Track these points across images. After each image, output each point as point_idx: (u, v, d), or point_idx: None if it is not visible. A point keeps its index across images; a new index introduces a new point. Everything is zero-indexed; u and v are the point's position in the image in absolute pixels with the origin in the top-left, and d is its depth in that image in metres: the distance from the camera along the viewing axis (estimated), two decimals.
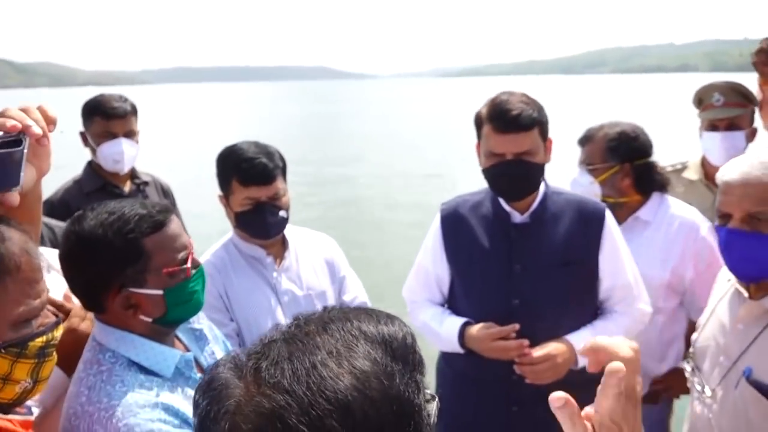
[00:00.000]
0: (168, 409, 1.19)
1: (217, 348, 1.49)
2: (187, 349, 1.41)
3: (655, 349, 2.31)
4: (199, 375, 1.34)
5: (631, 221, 2.31)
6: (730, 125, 2.59)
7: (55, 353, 1.09)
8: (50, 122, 1.03)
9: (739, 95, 2.62)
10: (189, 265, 1.30)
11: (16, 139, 0.96)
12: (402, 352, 0.67)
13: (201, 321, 1.50)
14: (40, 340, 1.04)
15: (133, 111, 2.74)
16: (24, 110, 1.01)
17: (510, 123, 1.77)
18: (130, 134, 2.70)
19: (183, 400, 1.25)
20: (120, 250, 1.22)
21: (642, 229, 2.29)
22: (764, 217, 1.42)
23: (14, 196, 0.96)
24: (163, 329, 1.31)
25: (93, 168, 2.74)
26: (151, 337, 1.29)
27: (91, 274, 1.24)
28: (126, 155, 2.66)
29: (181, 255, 1.28)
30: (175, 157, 16.05)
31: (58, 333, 1.09)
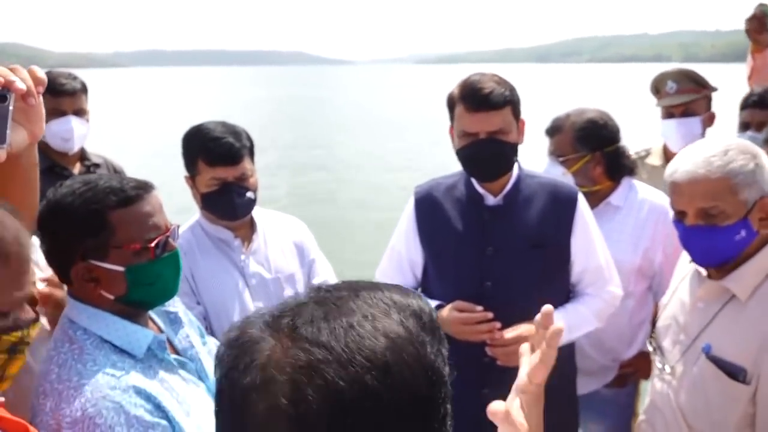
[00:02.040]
0: (140, 392, 1.17)
1: (192, 332, 1.47)
2: (161, 331, 1.39)
3: (624, 333, 2.35)
4: (173, 356, 1.32)
5: (603, 207, 2.32)
6: (686, 111, 2.65)
7: (26, 352, 1.04)
8: (39, 83, 1.02)
9: (691, 81, 2.68)
10: (155, 246, 1.26)
11: (1, 94, 0.95)
12: (431, 326, 0.68)
13: (176, 304, 1.48)
14: (14, 335, 0.99)
15: (83, 89, 2.64)
16: (12, 69, 1.00)
17: (482, 101, 1.77)
18: (80, 112, 2.60)
19: (155, 382, 1.23)
20: (81, 220, 1.21)
21: (613, 214, 2.31)
22: (716, 212, 1.44)
23: (1, 153, 0.95)
24: (131, 309, 1.28)
25: (40, 148, 2.62)
26: (123, 316, 1.27)
27: (56, 241, 1.24)
28: (75, 133, 2.57)
29: (149, 235, 1.25)
30: (146, 142, 15.80)
31: (34, 332, 1.03)
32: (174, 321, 1.44)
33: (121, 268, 1.23)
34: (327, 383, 0.58)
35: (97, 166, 2.74)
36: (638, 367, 2.38)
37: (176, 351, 1.38)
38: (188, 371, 1.35)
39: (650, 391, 1.72)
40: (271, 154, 13.82)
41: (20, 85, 0.97)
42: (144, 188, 1.27)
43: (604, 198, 2.33)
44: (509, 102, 1.80)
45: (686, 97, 2.64)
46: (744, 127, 2.52)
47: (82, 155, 2.71)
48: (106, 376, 1.16)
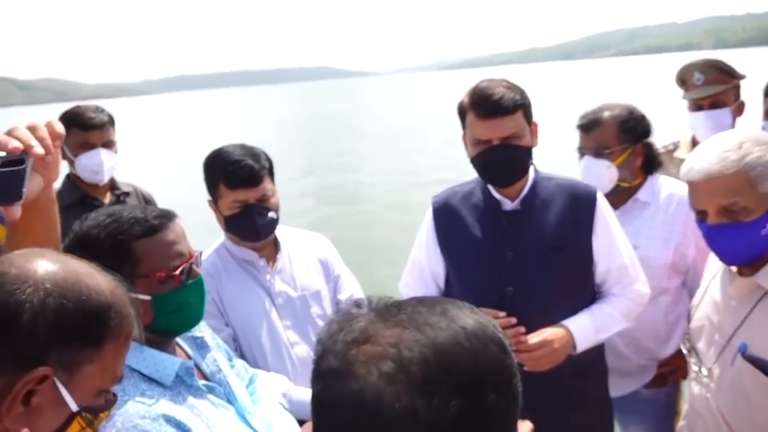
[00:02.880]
0: (170, 420, 1.19)
1: (220, 355, 1.49)
2: (189, 357, 1.41)
3: (660, 331, 2.29)
4: (201, 382, 1.34)
5: (631, 203, 2.28)
6: (714, 103, 2.58)
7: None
8: (56, 138, 1.04)
9: (719, 71, 2.60)
10: (180, 274, 1.28)
11: (19, 158, 0.99)
12: (501, 345, 0.73)
13: (202, 329, 1.50)
14: (104, 414, 0.93)
15: (111, 121, 2.72)
16: (31, 128, 1.02)
17: (493, 108, 1.75)
18: (109, 144, 2.68)
19: (185, 409, 1.25)
20: (108, 251, 1.23)
21: (641, 210, 2.27)
22: (738, 208, 1.40)
23: (16, 210, 0.98)
24: (158, 338, 1.30)
25: (71, 181, 2.71)
26: (150, 344, 1.29)
27: None
28: (105, 165, 2.64)
29: (174, 263, 1.28)
30: (176, 167, 16.10)
31: (106, 415, 0.95)
32: (201, 346, 1.45)
33: (147, 297, 1.26)
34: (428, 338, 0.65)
35: (127, 194, 2.82)
36: (677, 366, 2.31)
37: (204, 376, 1.40)
38: (217, 395, 1.36)
39: (688, 395, 1.67)
40: (299, 171, 13.98)
41: (39, 150, 0.99)
42: (167, 217, 1.30)
43: (633, 194, 2.29)
44: (520, 106, 1.78)
45: (714, 89, 2.56)
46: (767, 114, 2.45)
47: (112, 185, 2.79)
48: (136, 405, 1.18)
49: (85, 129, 2.63)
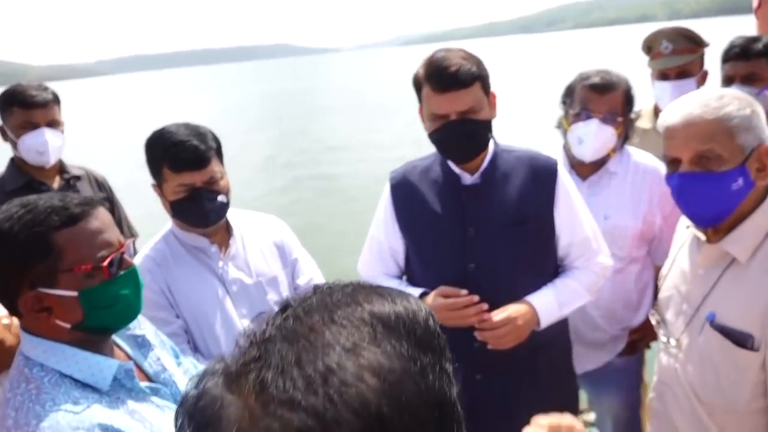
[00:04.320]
0: (107, 429, 1.08)
1: (164, 353, 1.38)
2: (129, 358, 1.30)
3: (632, 299, 2.29)
4: (144, 384, 1.23)
5: (599, 173, 2.24)
6: (681, 73, 2.55)
7: None
8: None
9: (687, 40, 2.57)
10: (109, 265, 1.17)
11: None
12: (428, 337, 0.56)
13: (143, 326, 1.38)
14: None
15: (55, 100, 2.55)
16: None
17: (449, 81, 1.67)
18: (54, 124, 2.51)
19: (124, 415, 1.14)
20: (25, 245, 1.10)
21: (609, 179, 2.24)
22: (713, 155, 1.37)
23: None
24: (92, 337, 1.19)
25: (16, 164, 2.54)
26: (83, 346, 1.17)
27: (0, 271, 1.13)
28: (50, 145, 2.47)
29: (101, 253, 1.16)
30: (132, 149, 15.62)
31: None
32: (142, 344, 1.34)
33: (73, 293, 1.14)
34: None
35: (77, 178, 2.65)
36: (645, 333, 2.31)
37: (147, 377, 1.30)
38: (162, 397, 1.26)
39: (657, 366, 1.65)
40: (261, 150, 13.71)
41: None
42: (89, 204, 1.17)
43: (603, 165, 2.25)
44: (477, 78, 1.70)
45: (681, 59, 2.52)
46: (728, 80, 2.42)
47: (61, 168, 2.62)
48: (68, 416, 1.06)
49: (26, 107, 2.46)
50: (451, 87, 1.67)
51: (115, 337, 1.29)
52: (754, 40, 2.42)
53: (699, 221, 1.48)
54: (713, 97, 1.39)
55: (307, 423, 0.47)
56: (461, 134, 1.73)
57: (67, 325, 1.16)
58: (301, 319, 0.55)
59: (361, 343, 0.52)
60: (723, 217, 1.42)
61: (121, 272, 1.20)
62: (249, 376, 0.52)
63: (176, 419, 0.56)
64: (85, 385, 1.14)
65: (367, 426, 0.48)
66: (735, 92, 1.42)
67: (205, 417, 0.52)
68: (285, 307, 0.58)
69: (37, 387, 1.11)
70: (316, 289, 0.60)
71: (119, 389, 1.18)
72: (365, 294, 0.58)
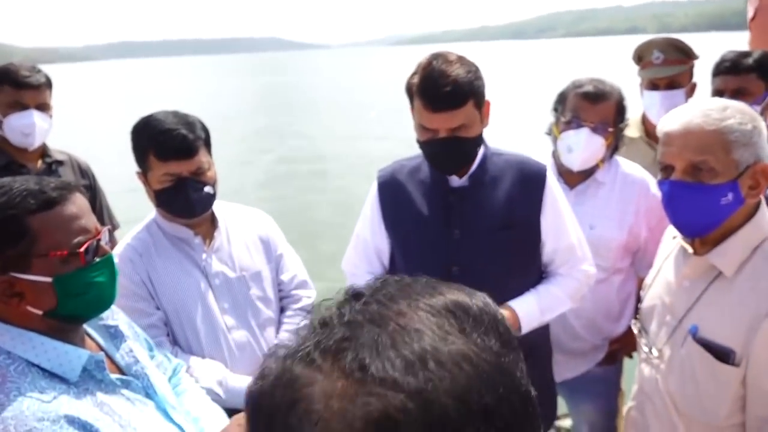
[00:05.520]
0: (74, 421, 1.05)
1: (137, 345, 1.35)
2: (101, 348, 1.26)
3: (614, 310, 2.29)
4: (114, 376, 1.20)
5: (587, 183, 2.24)
6: (671, 83, 2.57)
7: None
8: None
9: (679, 52, 2.58)
10: (85, 252, 1.14)
11: None
12: (509, 337, 0.56)
13: (116, 316, 1.35)
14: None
15: (48, 83, 2.50)
16: None
17: (442, 101, 1.65)
18: (43, 107, 2.46)
19: (93, 408, 1.11)
20: None
21: (596, 189, 2.23)
22: (706, 167, 1.36)
23: None
24: (64, 325, 1.16)
25: None
26: (53, 335, 1.14)
27: None
28: (37, 128, 2.42)
29: (78, 239, 1.13)
30: (120, 137, 15.43)
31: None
32: (115, 335, 1.31)
33: (47, 279, 1.11)
34: None
35: (60, 163, 2.60)
36: (626, 343, 2.32)
37: (119, 369, 1.26)
38: (133, 390, 1.23)
39: (637, 376, 1.65)
40: (247, 143, 13.61)
41: None
42: (67, 188, 1.14)
43: (591, 174, 2.24)
44: (471, 95, 1.67)
45: (672, 69, 2.54)
46: (718, 94, 2.44)
47: (44, 152, 2.57)
48: (33, 406, 1.03)
49: (17, 87, 2.41)
50: (443, 108, 1.65)
51: (87, 327, 1.26)
52: (745, 55, 2.45)
53: (684, 230, 1.48)
54: (717, 107, 1.38)
55: (406, 405, 0.46)
56: (449, 151, 1.72)
57: (39, 312, 1.13)
58: (386, 305, 0.54)
59: (453, 332, 0.51)
60: (709, 230, 1.42)
61: (97, 259, 1.17)
62: (343, 355, 0.50)
63: (247, 402, 0.53)
64: (53, 375, 1.11)
65: (469, 413, 0.47)
66: (740, 105, 1.40)
67: (286, 396, 0.50)
68: (358, 294, 0.56)
69: (2, 375, 1.07)
70: (384, 280, 0.58)
71: (89, 380, 1.15)
72: (445, 285, 0.58)
